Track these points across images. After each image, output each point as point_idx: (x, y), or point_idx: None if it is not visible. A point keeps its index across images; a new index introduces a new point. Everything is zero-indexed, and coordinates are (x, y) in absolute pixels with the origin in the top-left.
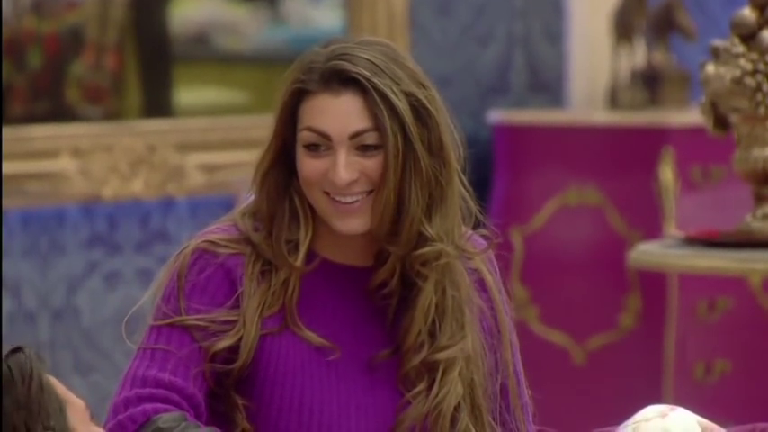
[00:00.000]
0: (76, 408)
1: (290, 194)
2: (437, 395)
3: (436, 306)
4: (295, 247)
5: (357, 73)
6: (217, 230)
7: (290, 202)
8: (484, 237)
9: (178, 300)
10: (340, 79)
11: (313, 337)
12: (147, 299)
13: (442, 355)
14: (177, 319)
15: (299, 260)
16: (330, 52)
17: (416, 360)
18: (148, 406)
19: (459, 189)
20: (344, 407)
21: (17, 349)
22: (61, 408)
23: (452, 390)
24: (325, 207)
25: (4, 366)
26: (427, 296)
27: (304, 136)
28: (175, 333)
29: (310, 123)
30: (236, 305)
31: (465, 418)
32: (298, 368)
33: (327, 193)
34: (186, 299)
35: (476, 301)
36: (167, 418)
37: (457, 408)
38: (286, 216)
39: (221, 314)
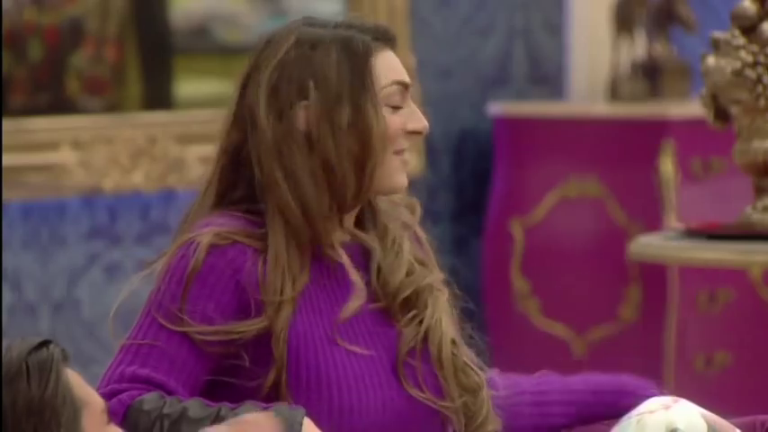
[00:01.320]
0: (93, 409)
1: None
2: (431, 318)
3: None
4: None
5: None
6: (224, 219)
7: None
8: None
9: (186, 298)
10: (387, 37)
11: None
12: (141, 287)
13: (423, 283)
14: (193, 330)
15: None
16: (349, 20)
17: (401, 296)
18: (125, 395)
19: None
20: (359, 373)
21: (43, 344)
22: (75, 413)
23: (444, 317)
24: (395, 165)
25: (23, 365)
26: (400, 234)
27: (391, 91)
28: (175, 335)
29: (396, 77)
30: (242, 303)
31: (463, 350)
32: (308, 342)
33: (396, 153)
34: (196, 301)
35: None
36: (148, 399)
37: (454, 342)
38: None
39: (241, 325)
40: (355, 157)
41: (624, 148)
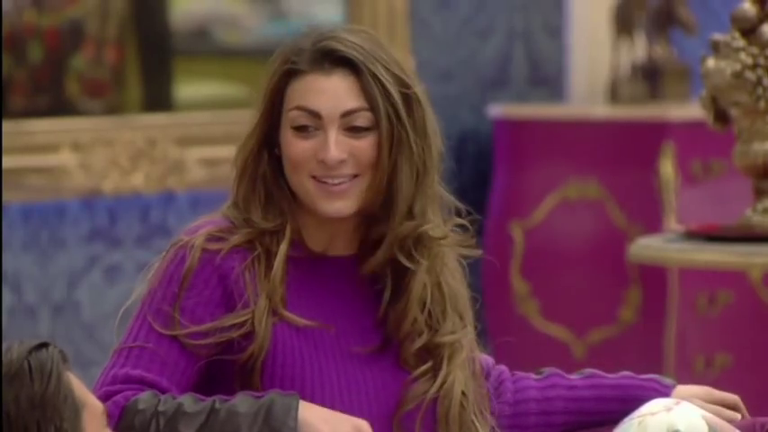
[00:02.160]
0: (93, 411)
1: (273, 181)
2: (446, 376)
3: (431, 292)
4: (276, 234)
5: (349, 53)
6: (209, 224)
7: (273, 188)
8: (461, 226)
9: (176, 302)
10: (331, 59)
11: (298, 319)
12: (138, 292)
13: (447, 339)
14: (181, 332)
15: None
16: (318, 35)
17: (416, 346)
18: (119, 397)
19: (438, 179)
20: (345, 391)
21: (42, 345)
22: (76, 411)
23: (459, 374)
24: (311, 190)
25: (25, 363)
26: (420, 280)
27: (292, 116)
28: (165, 336)
29: (300, 102)
30: (229, 309)
31: (471, 406)
32: (294, 354)
33: (314, 177)
34: (185, 302)
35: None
36: (143, 398)
37: (464, 394)
38: (262, 202)
39: (228, 319)
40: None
41: (624, 150)
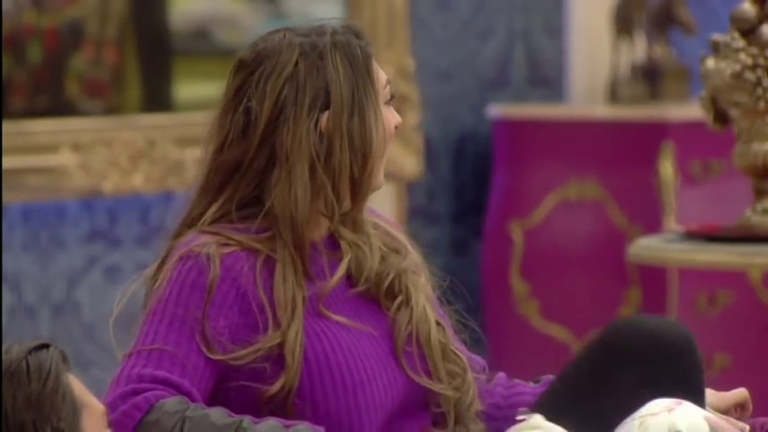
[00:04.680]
0: (93, 412)
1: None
2: (417, 302)
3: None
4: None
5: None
6: (203, 236)
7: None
8: None
9: (202, 309)
10: (365, 36)
11: (342, 319)
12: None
13: (402, 265)
14: (220, 357)
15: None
16: (330, 28)
17: (386, 284)
18: (150, 394)
19: None
20: (374, 362)
21: (42, 346)
22: (75, 411)
23: (425, 300)
24: (383, 164)
25: (24, 362)
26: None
27: (385, 92)
28: (183, 340)
29: (384, 76)
30: (245, 314)
31: (449, 334)
32: (334, 347)
33: None
34: (213, 312)
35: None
36: (172, 402)
37: (438, 323)
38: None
39: (263, 342)
40: (358, 166)
41: (624, 151)
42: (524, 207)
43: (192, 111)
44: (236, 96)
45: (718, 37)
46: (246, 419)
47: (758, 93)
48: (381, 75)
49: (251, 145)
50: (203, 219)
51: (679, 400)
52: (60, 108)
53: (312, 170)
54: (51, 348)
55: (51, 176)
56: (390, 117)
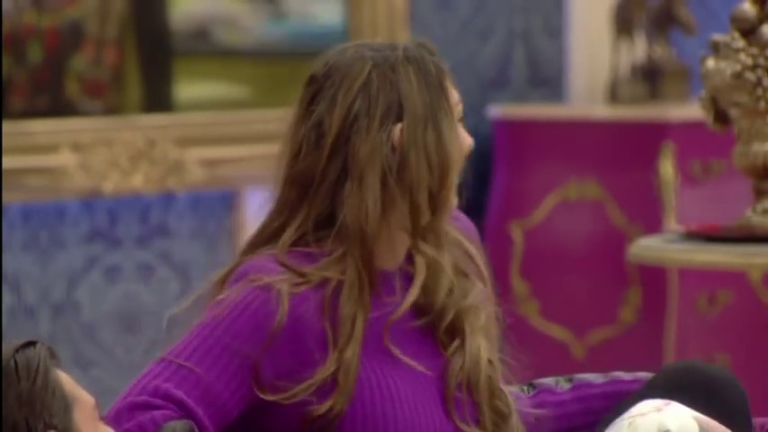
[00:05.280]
0: (84, 406)
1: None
2: (472, 343)
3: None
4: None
5: None
6: (271, 261)
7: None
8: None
9: (256, 348)
10: (435, 54)
11: (403, 358)
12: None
13: (464, 303)
14: (274, 397)
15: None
16: (401, 45)
17: (447, 320)
18: (157, 413)
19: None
20: (419, 401)
21: (29, 344)
22: (66, 406)
23: (482, 340)
24: (455, 184)
25: (12, 361)
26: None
27: (458, 109)
28: (215, 368)
29: (457, 95)
30: (308, 358)
31: (499, 373)
32: (381, 388)
33: None
34: (271, 355)
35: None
36: (178, 427)
37: (490, 362)
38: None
39: (319, 374)
40: (437, 179)
41: (624, 151)
42: (524, 207)
43: (192, 111)
44: (308, 108)
45: (718, 37)
46: None
47: (758, 93)
48: (454, 93)
49: (323, 156)
50: (282, 240)
51: (668, 401)
52: (60, 108)
53: (384, 183)
54: (38, 345)
55: (51, 177)
56: (464, 135)
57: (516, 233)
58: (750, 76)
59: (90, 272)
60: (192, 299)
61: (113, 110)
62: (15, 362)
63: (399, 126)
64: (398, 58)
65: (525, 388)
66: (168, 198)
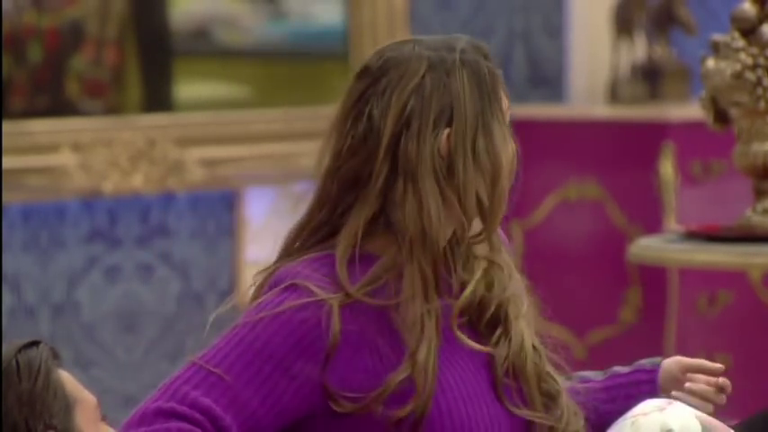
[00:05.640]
0: (86, 406)
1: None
2: (516, 332)
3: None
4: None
5: None
6: (323, 265)
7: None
8: None
9: (311, 361)
10: (490, 57)
11: (473, 343)
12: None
13: (504, 294)
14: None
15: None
16: (460, 45)
17: (488, 313)
18: (185, 426)
19: None
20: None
21: (32, 344)
22: (67, 407)
23: (525, 327)
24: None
25: (13, 361)
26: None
27: (508, 115)
28: (248, 375)
29: (507, 101)
30: (373, 365)
31: (545, 358)
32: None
33: None
34: (335, 370)
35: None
36: None
37: (535, 348)
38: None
39: (389, 382)
40: (489, 184)
41: (624, 151)
42: (525, 207)
43: (192, 111)
44: (358, 103)
45: (718, 37)
46: None
47: (758, 93)
48: (505, 99)
49: (373, 157)
50: (338, 254)
51: (670, 400)
52: (60, 108)
53: (439, 186)
54: (41, 346)
55: (51, 176)
56: (511, 143)
57: (516, 233)
58: (750, 75)
59: (90, 272)
60: (232, 300)
61: (113, 110)
62: (17, 362)
63: (447, 131)
64: (454, 61)
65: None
66: (168, 198)
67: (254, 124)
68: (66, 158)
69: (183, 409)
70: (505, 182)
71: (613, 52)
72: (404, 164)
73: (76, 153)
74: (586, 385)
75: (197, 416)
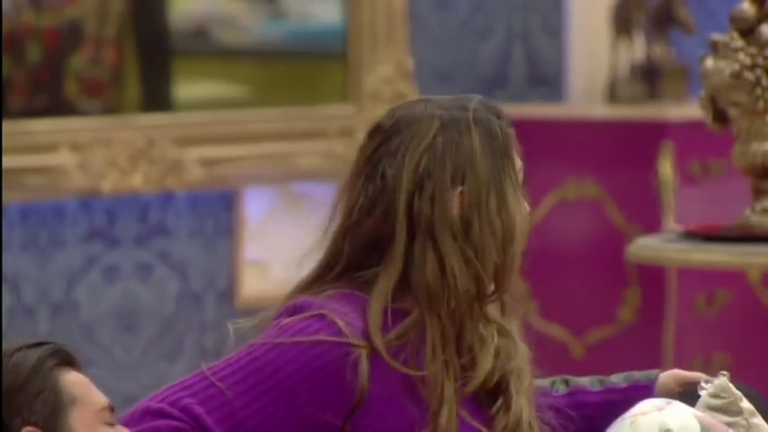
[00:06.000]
0: (87, 408)
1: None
2: (517, 404)
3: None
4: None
5: None
6: (348, 303)
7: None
8: None
9: (329, 403)
10: (505, 116)
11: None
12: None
13: (509, 366)
14: None
15: None
16: (472, 105)
17: (492, 382)
18: (162, 423)
19: None
20: None
21: (36, 344)
22: (56, 406)
23: (525, 402)
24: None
25: (8, 360)
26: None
27: (520, 176)
28: (243, 398)
29: (520, 160)
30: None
31: (536, 424)
32: None
33: None
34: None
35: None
36: None
37: (530, 425)
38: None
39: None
40: (501, 245)
41: (623, 151)
42: None
43: (192, 110)
44: (370, 162)
45: (717, 37)
46: None
47: (757, 92)
48: (518, 159)
49: (391, 217)
50: (372, 319)
51: (669, 400)
52: (59, 108)
53: (458, 244)
54: (45, 346)
55: (50, 176)
56: (526, 207)
57: None
58: (749, 75)
59: (89, 271)
60: (255, 321)
61: (112, 109)
62: (11, 360)
63: (460, 189)
64: (467, 120)
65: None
66: (167, 197)
67: (253, 124)
68: (64, 158)
69: (173, 411)
70: (518, 243)
71: (612, 52)
72: (421, 224)
73: (75, 153)
74: (582, 398)
75: (186, 419)
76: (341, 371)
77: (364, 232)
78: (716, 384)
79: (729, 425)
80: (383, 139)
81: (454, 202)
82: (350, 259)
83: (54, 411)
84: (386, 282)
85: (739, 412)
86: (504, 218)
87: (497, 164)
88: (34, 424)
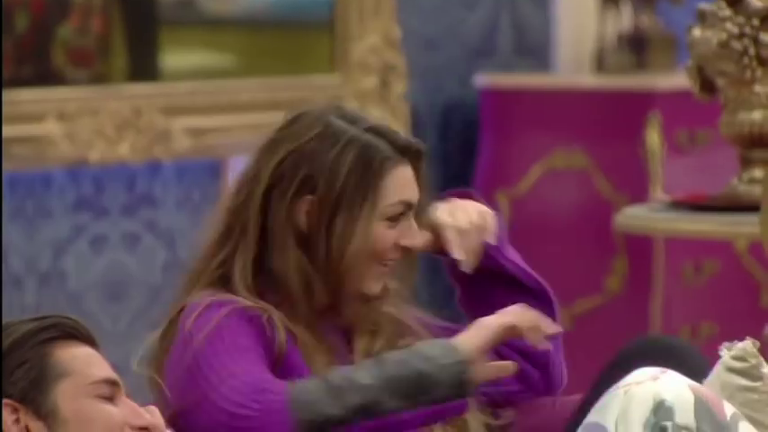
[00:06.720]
0: (77, 381)
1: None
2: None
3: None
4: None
5: (421, 145)
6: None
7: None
8: None
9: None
10: (411, 150)
11: None
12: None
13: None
14: None
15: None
16: (372, 125)
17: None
18: (280, 384)
19: None
20: None
21: (40, 318)
22: (40, 379)
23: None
24: (371, 273)
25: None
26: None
27: (394, 210)
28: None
29: (403, 197)
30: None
31: None
32: None
33: (384, 263)
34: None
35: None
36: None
37: None
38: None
39: None
40: (332, 263)
41: (610, 120)
42: (511, 176)
43: (179, 80)
44: (269, 141)
45: (704, 6)
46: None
47: (744, 62)
48: (394, 193)
49: (249, 207)
50: (239, 294)
51: (663, 369)
52: (46, 77)
53: (300, 247)
54: (44, 320)
55: (37, 146)
56: (388, 233)
57: (503, 202)
58: (736, 44)
59: (76, 241)
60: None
61: (99, 79)
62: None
63: (309, 198)
64: (349, 136)
65: None
66: (154, 167)
67: (241, 93)
68: (51, 127)
69: (268, 377)
70: (351, 269)
71: (600, 21)
72: (269, 219)
73: (62, 122)
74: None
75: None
76: (262, 327)
77: (235, 220)
78: (739, 347)
79: (748, 389)
80: (282, 126)
81: (301, 209)
82: (224, 244)
83: (35, 384)
84: (243, 265)
85: (760, 377)
86: (343, 239)
87: (360, 188)
88: (9, 396)
